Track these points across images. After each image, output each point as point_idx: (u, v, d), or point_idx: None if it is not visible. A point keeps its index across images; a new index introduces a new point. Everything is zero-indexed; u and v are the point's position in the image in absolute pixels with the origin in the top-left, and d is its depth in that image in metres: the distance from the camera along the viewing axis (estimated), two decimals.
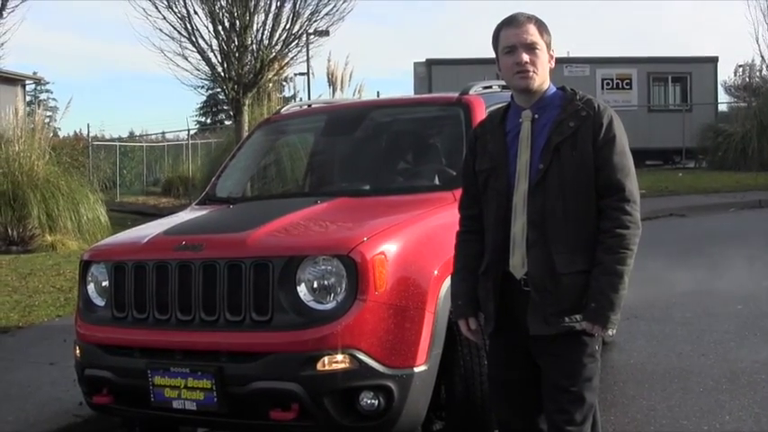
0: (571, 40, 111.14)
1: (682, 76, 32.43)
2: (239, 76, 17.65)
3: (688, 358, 6.62)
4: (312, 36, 19.66)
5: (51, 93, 63.85)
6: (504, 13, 3.48)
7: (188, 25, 17.57)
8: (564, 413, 3.34)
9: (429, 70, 31.28)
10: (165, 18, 17.51)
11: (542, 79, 3.42)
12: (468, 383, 4.49)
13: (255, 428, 4.49)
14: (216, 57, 17.79)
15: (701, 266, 10.07)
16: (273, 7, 17.80)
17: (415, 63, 32.43)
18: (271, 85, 20.96)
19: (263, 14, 17.84)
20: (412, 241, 4.50)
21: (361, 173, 5.96)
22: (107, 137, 36.14)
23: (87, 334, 4.82)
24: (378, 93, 22.89)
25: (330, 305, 4.20)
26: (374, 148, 6.25)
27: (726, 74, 56.56)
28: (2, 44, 16.17)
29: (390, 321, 4.20)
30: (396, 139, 6.33)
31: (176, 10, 17.50)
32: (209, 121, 61.62)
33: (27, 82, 34.54)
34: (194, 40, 17.63)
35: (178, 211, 6.61)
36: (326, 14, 17.96)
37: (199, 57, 17.76)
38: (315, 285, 4.23)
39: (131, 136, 47.41)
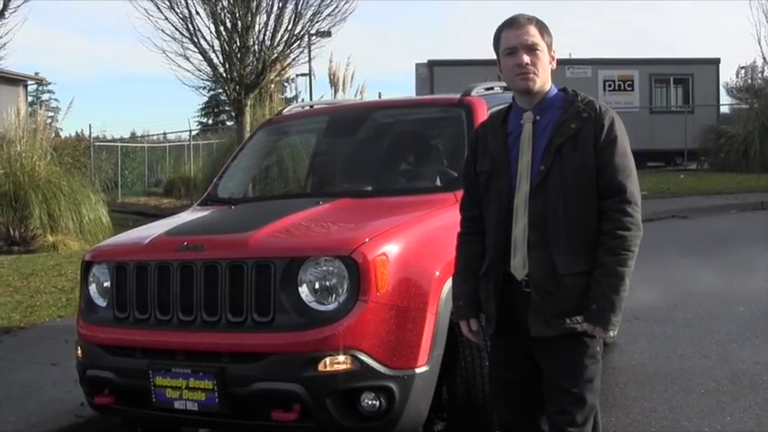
0: (573, 42, 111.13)
1: (684, 77, 32.41)
2: (241, 76, 17.63)
3: (689, 359, 6.62)
4: (314, 37, 19.64)
5: (53, 93, 63.84)
6: (506, 15, 3.49)
7: (190, 26, 17.56)
8: (565, 414, 3.34)
9: (431, 71, 31.24)
10: (166, 19, 17.50)
11: (543, 81, 3.42)
12: (469, 384, 4.49)
13: (257, 429, 4.49)
14: (218, 57, 17.77)
15: (703, 268, 10.07)
16: (275, 8, 17.78)
17: (416, 64, 32.40)
18: (272, 85, 20.96)
19: (264, 15, 17.82)
20: (413, 242, 4.50)
21: (363, 174, 5.97)
22: (109, 137, 36.11)
23: (89, 334, 4.82)
24: (379, 94, 22.87)
25: (332, 306, 4.20)
26: (376, 149, 6.25)
27: (728, 75, 56.56)
28: (4, 45, 16.14)
29: (392, 322, 4.20)
30: (397, 141, 6.34)
31: (178, 11, 17.49)
32: (210, 121, 61.69)
33: (29, 82, 34.59)
34: (196, 40, 17.62)
35: (180, 211, 6.61)
36: (328, 15, 17.93)
37: (200, 57, 17.74)
38: (316, 286, 4.24)
39: (133, 136, 47.37)
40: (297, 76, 29.75)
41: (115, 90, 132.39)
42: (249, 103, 18.17)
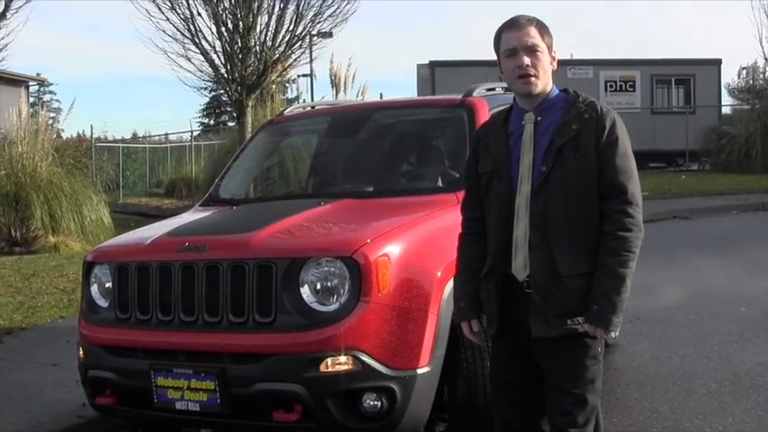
0: (574, 42, 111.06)
1: (685, 78, 32.40)
2: (242, 77, 17.64)
3: (691, 360, 6.62)
4: (315, 38, 19.65)
5: (55, 94, 63.95)
6: (508, 15, 3.49)
7: (191, 27, 17.57)
8: (566, 415, 3.34)
9: (432, 72, 31.24)
10: (168, 19, 17.51)
11: (544, 82, 3.42)
12: (470, 385, 4.49)
13: (258, 430, 4.49)
14: (219, 58, 17.78)
15: (704, 269, 10.07)
16: (277, 9, 17.79)
17: (418, 65, 32.41)
18: (274, 86, 20.94)
19: (266, 16, 17.83)
20: (415, 243, 4.50)
21: (365, 174, 5.97)
22: (110, 138, 36.10)
23: (90, 335, 4.83)
24: (381, 94, 22.83)
25: (333, 307, 4.20)
26: (377, 150, 6.25)
27: (729, 76, 56.57)
28: (5, 45, 16.15)
29: (393, 323, 4.20)
30: (399, 141, 6.34)
31: (179, 11, 17.50)
32: (212, 122, 61.76)
33: (30, 83, 34.57)
34: (197, 41, 17.63)
35: (181, 212, 6.62)
36: (330, 16, 17.95)
37: (202, 58, 17.75)
38: (318, 287, 4.24)
39: (134, 137, 47.42)
40: (298, 76, 29.82)
41: (117, 91, 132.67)
42: (251, 103, 18.18)
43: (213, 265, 4.35)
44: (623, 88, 31.85)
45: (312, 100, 23.60)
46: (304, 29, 18.03)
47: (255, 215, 5.25)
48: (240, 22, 17.50)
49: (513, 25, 3.42)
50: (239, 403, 4.25)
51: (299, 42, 18.28)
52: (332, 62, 20.79)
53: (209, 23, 17.69)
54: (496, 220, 3.43)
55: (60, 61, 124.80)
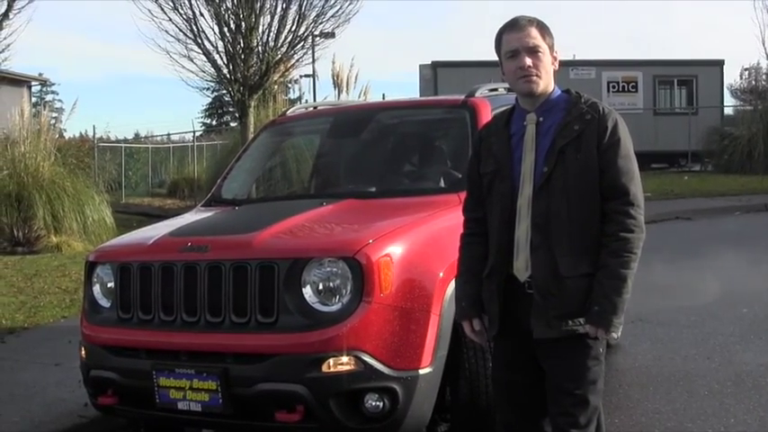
0: (576, 43, 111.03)
1: (687, 78, 32.38)
2: (245, 77, 17.63)
3: (693, 361, 6.62)
4: (318, 38, 19.63)
5: (57, 94, 64.15)
6: (510, 16, 3.48)
7: (194, 27, 17.56)
8: (568, 416, 3.34)
9: (435, 73, 31.24)
10: (170, 20, 17.49)
11: (546, 82, 3.42)
12: (472, 385, 4.50)
13: (260, 430, 4.48)
14: (221, 58, 17.77)
15: (707, 269, 10.06)
16: (279, 9, 17.77)
17: (420, 65, 32.43)
18: (276, 86, 20.93)
19: (268, 16, 17.81)
20: (417, 243, 4.51)
21: (367, 175, 5.97)
22: (112, 138, 36.11)
23: (92, 335, 4.83)
24: (383, 95, 22.79)
25: (335, 307, 4.20)
26: (380, 151, 6.25)
27: (732, 77, 56.56)
28: (8, 45, 16.17)
29: (395, 323, 4.20)
30: (401, 142, 6.34)
31: (182, 12, 17.48)
32: (214, 122, 61.79)
33: (33, 83, 34.60)
34: (200, 41, 17.62)
35: (183, 212, 6.62)
36: (332, 16, 17.92)
37: (204, 58, 17.73)
38: (320, 287, 4.24)
39: (137, 137, 47.48)
40: (301, 77, 29.78)
41: (119, 91, 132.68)
42: (253, 104, 18.17)
43: (216, 266, 4.36)
44: (626, 89, 31.85)
45: (314, 100, 23.55)
46: (306, 29, 18.02)
47: (258, 215, 5.25)
48: (243, 23, 17.48)
49: (514, 26, 3.42)
50: (241, 403, 4.25)
51: (302, 43, 18.27)
52: (334, 62, 20.76)
53: (211, 24, 17.69)
54: (498, 221, 3.43)
55: (63, 61, 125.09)
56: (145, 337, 4.57)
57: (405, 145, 6.31)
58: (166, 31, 17.57)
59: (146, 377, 4.42)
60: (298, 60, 18.87)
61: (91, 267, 4.97)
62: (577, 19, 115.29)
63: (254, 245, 4.37)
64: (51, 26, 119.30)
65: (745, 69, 36.27)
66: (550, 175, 3.32)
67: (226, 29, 17.58)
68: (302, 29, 17.88)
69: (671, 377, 6.21)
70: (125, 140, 37.48)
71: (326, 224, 4.88)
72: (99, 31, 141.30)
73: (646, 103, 31.83)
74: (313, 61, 22.18)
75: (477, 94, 5.86)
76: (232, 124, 46.25)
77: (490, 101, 5.75)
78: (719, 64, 32.62)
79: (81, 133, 37.30)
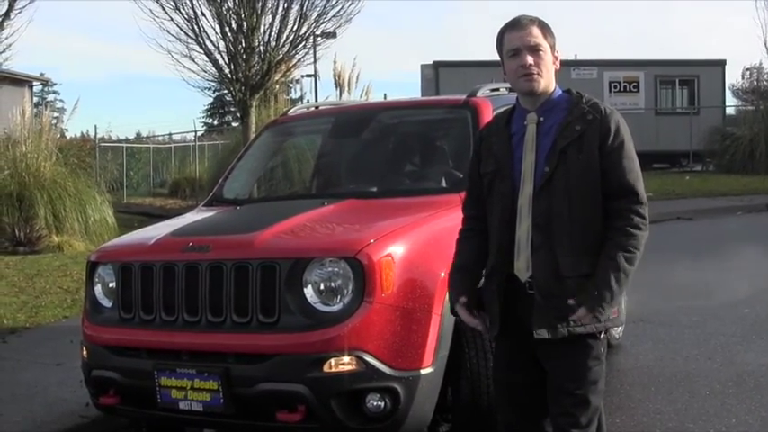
0: (578, 43, 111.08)
1: (689, 78, 32.39)
2: (246, 77, 17.64)
3: (694, 361, 6.61)
4: (319, 38, 19.66)
5: (58, 94, 64.17)
6: (512, 15, 3.49)
7: (195, 27, 17.57)
8: (569, 416, 3.34)
9: (436, 72, 31.26)
10: (172, 19, 17.51)
11: (547, 82, 3.42)
12: (474, 385, 4.50)
13: (262, 430, 4.48)
14: (223, 58, 17.78)
15: (708, 270, 10.07)
16: (280, 9, 17.79)
17: (422, 65, 32.43)
18: (278, 86, 20.93)
19: (270, 16, 17.83)
20: (419, 243, 4.50)
21: (369, 175, 5.97)
22: (114, 138, 36.16)
23: (94, 335, 4.83)
24: (385, 95, 22.78)
25: (337, 307, 4.20)
26: (381, 151, 6.25)
27: (733, 77, 56.45)
28: (9, 45, 16.18)
29: (397, 323, 4.20)
30: (403, 142, 6.34)
31: (183, 11, 17.50)
32: (216, 122, 61.79)
33: (34, 83, 34.62)
34: (201, 41, 17.63)
35: (185, 212, 6.62)
36: (334, 16, 17.93)
37: (206, 58, 17.74)
38: (321, 287, 4.24)
39: (138, 137, 47.50)
40: (302, 77, 29.83)
41: (120, 91, 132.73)
42: (254, 104, 18.18)
43: (217, 265, 4.36)
44: (627, 89, 31.85)
45: (316, 100, 23.59)
46: (308, 29, 18.03)
47: (259, 215, 5.25)
48: (244, 23, 17.49)
49: (516, 25, 3.42)
50: (243, 403, 4.25)
51: (303, 43, 18.29)
52: (336, 62, 20.76)
53: (212, 23, 17.71)
54: (499, 221, 3.43)
55: (64, 61, 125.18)
56: (146, 336, 4.57)
57: (406, 145, 6.30)
58: (168, 31, 17.60)
59: (147, 377, 4.42)
60: (299, 60, 18.91)
61: (92, 267, 4.97)
62: (579, 19, 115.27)
63: (255, 245, 4.37)
64: (53, 26, 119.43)
65: (747, 69, 36.24)
66: (552, 176, 3.31)
67: (227, 28, 17.59)
68: (304, 29, 17.90)
69: (672, 377, 6.20)
70: (126, 140, 37.51)
71: (328, 224, 4.88)
72: (100, 31, 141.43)
73: (647, 103, 31.83)
74: (314, 61, 22.26)
75: (479, 94, 5.86)
76: (233, 124, 46.24)
77: (492, 101, 5.75)
78: (721, 64, 32.63)
79: (82, 133, 37.37)
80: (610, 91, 31.25)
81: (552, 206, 3.31)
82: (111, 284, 4.81)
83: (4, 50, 16.22)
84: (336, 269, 4.23)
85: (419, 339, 4.25)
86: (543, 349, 3.37)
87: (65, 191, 15.11)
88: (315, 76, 28.32)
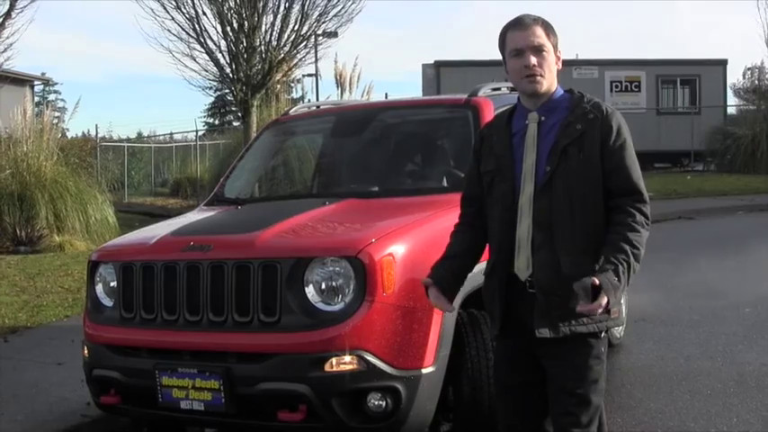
0: (580, 43, 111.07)
1: (691, 78, 32.36)
2: (248, 77, 17.66)
3: (696, 361, 6.61)
4: (320, 37, 19.68)
5: (59, 93, 63.98)
6: (513, 15, 3.48)
7: (196, 26, 17.60)
8: (570, 415, 3.34)
9: (437, 72, 31.26)
10: (173, 19, 17.55)
11: (550, 82, 3.41)
12: (475, 385, 4.50)
13: (263, 429, 4.48)
14: (224, 58, 17.81)
15: (710, 269, 10.05)
16: (282, 8, 17.82)
17: (423, 65, 32.42)
18: (279, 86, 20.97)
19: (271, 16, 17.87)
20: (420, 243, 4.50)
21: (370, 174, 5.97)
22: (115, 138, 36.18)
23: (95, 334, 4.84)
24: (386, 94, 22.84)
25: (338, 306, 4.20)
26: (382, 150, 6.25)
27: (735, 76, 56.45)
28: (10, 45, 16.19)
29: (398, 323, 4.20)
30: (404, 141, 6.34)
31: (185, 11, 17.53)
32: (217, 122, 61.70)
33: (35, 83, 34.59)
34: (203, 40, 17.66)
35: (186, 212, 6.62)
36: (335, 16, 17.97)
37: (207, 58, 17.78)
38: (323, 286, 4.24)
39: (139, 137, 47.51)
40: (303, 76, 29.74)
41: (121, 90, 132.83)
42: (256, 103, 18.21)
43: (218, 265, 4.36)
44: (629, 88, 31.83)
45: (317, 100, 23.59)
46: (309, 28, 18.06)
47: (260, 215, 5.25)
48: (245, 22, 17.52)
49: (519, 25, 3.41)
50: (244, 403, 4.25)
51: (305, 42, 18.32)
52: (337, 62, 20.80)
53: (214, 23, 17.74)
54: (499, 220, 3.43)
55: (65, 61, 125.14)
56: (147, 336, 4.57)
57: (407, 144, 6.30)
58: (169, 31, 17.65)
59: (148, 376, 4.43)
60: (300, 60, 18.94)
61: (94, 267, 4.98)
62: (581, 19, 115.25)
63: (256, 244, 4.37)
64: (53, 26, 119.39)
65: (749, 69, 36.14)
66: (553, 175, 3.31)
67: (228, 28, 17.62)
68: (305, 28, 17.94)
69: (674, 377, 6.20)
70: (128, 140, 37.47)
71: (329, 223, 4.88)
72: (102, 31, 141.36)
73: (649, 102, 31.82)
74: (316, 60, 22.24)
75: (480, 94, 5.86)
76: (235, 124, 46.26)
77: (493, 100, 5.75)
78: (723, 63, 32.60)
79: (83, 133, 37.43)
80: (611, 90, 31.24)
81: (553, 205, 3.31)
82: (113, 284, 4.81)
83: (6, 50, 16.24)
84: (338, 268, 4.23)
85: (420, 339, 4.25)
86: (544, 348, 3.37)
87: (66, 190, 15.13)
88: (316, 75, 28.32)
